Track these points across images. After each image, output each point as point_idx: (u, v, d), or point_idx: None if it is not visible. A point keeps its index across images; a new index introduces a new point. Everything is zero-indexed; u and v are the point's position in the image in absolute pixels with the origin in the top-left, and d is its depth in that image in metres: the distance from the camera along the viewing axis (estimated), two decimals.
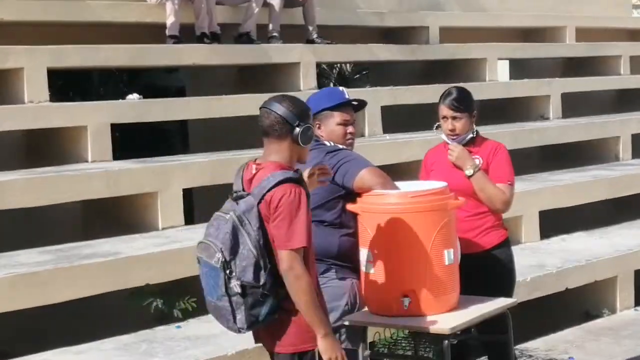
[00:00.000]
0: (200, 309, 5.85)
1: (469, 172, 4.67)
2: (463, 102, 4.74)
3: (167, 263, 5.83)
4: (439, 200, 4.23)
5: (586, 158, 9.87)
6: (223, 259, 3.51)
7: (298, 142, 3.64)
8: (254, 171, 3.67)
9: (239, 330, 3.61)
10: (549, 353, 6.31)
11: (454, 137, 4.75)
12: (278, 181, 3.55)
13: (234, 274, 3.51)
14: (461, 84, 8.87)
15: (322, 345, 3.58)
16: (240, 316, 3.54)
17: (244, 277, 3.51)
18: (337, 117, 4.34)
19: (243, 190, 3.65)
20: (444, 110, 4.73)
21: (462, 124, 4.73)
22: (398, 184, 4.31)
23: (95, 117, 7.05)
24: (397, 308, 4.13)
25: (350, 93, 4.46)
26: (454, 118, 4.72)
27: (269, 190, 3.54)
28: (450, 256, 4.21)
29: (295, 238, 3.52)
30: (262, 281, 3.52)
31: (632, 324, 6.85)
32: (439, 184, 4.41)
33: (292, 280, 3.52)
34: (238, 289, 3.51)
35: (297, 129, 3.63)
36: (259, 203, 3.55)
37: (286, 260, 3.52)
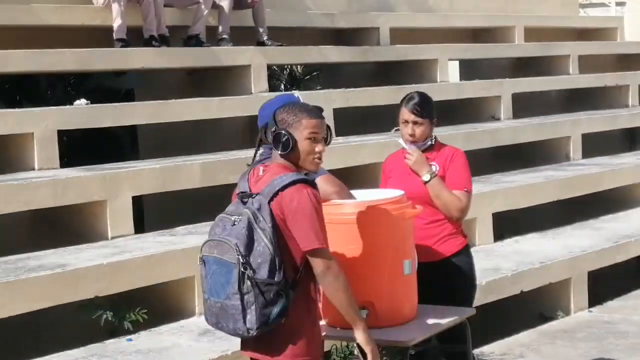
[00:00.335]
0: (151, 321, 5.74)
1: (425, 177, 4.61)
2: (425, 108, 4.68)
3: (116, 274, 5.69)
4: (396, 209, 4.16)
5: (537, 158, 9.90)
6: (239, 255, 3.44)
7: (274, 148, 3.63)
8: (261, 173, 3.66)
9: (247, 332, 3.48)
10: (504, 357, 6.28)
11: (412, 142, 4.69)
12: (291, 181, 3.52)
13: (249, 270, 3.44)
14: (413, 86, 8.91)
15: (363, 338, 3.62)
16: (251, 316, 3.45)
17: (259, 274, 3.45)
18: None
19: (250, 191, 3.61)
20: (406, 114, 4.66)
21: (422, 130, 4.67)
22: (354, 192, 4.23)
23: (41, 124, 6.87)
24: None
25: (301, 95, 4.39)
26: (414, 123, 4.65)
27: (281, 189, 3.51)
28: (408, 266, 4.15)
29: (323, 237, 3.51)
30: (277, 278, 3.46)
31: (586, 326, 6.85)
32: (396, 192, 4.34)
33: (331, 279, 3.53)
34: (252, 286, 3.43)
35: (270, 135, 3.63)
36: (270, 201, 3.51)
37: (321, 260, 3.51)
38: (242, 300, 3.44)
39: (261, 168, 3.68)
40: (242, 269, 3.43)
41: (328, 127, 3.75)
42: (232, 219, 3.52)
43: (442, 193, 4.63)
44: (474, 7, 12.34)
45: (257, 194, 3.55)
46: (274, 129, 3.60)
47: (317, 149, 3.63)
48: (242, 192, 3.61)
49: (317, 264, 3.51)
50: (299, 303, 3.56)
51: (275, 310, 3.47)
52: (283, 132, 3.58)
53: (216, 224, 3.59)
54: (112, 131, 9.56)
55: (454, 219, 4.71)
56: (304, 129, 3.60)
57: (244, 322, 3.45)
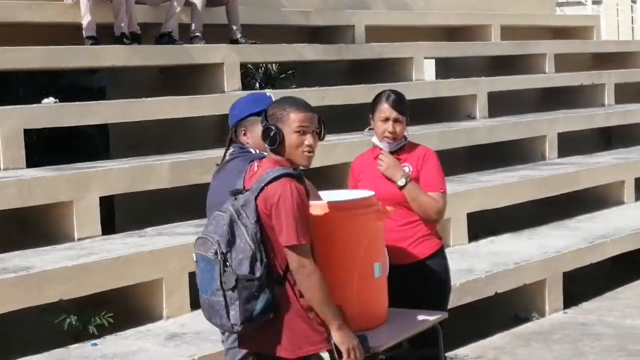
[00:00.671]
0: (117, 325, 5.62)
1: (400, 182, 4.53)
2: (404, 105, 4.63)
3: (82, 276, 5.56)
4: (367, 210, 4.08)
5: (513, 158, 9.84)
6: (220, 251, 3.48)
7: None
8: (255, 169, 3.69)
9: (232, 327, 3.54)
10: None
11: (391, 141, 4.60)
12: (275, 176, 3.55)
13: (229, 266, 3.48)
14: (388, 84, 8.81)
15: (339, 337, 3.59)
16: (235, 312, 3.49)
17: (240, 270, 3.48)
18: None
19: (244, 188, 3.65)
20: (387, 111, 4.57)
21: (401, 128, 4.61)
22: (324, 193, 4.15)
23: (7, 123, 6.72)
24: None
25: (276, 94, 4.30)
26: (396, 120, 4.58)
27: (266, 185, 3.54)
28: (379, 269, 4.07)
29: (301, 233, 3.51)
30: (257, 274, 3.49)
31: (561, 328, 6.78)
32: (366, 193, 4.27)
33: (303, 277, 3.53)
34: (233, 282, 3.46)
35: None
36: (256, 197, 3.54)
37: (296, 257, 3.52)
38: (224, 296, 3.48)
39: (256, 164, 3.71)
40: (222, 266, 3.47)
41: (322, 122, 3.75)
42: (224, 215, 3.56)
43: (419, 196, 4.55)
44: (450, 5, 12.26)
45: (247, 190, 3.60)
46: (264, 124, 3.65)
47: (306, 142, 3.65)
48: (235, 190, 3.65)
49: (292, 260, 3.53)
50: (289, 297, 3.58)
51: (259, 305, 3.49)
52: (271, 126, 3.62)
53: (210, 221, 3.63)
54: (84, 130, 9.43)
55: (432, 220, 4.65)
56: (292, 122, 3.63)
57: (228, 317, 3.49)
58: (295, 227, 3.50)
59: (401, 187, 4.52)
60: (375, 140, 4.70)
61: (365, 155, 4.80)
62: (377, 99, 4.64)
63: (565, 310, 7.20)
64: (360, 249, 4.01)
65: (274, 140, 3.61)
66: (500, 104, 10.72)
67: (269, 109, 3.71)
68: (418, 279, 4.59)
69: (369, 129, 4.71)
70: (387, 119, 4.58)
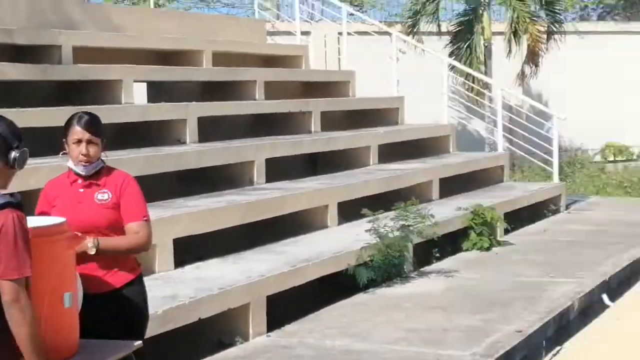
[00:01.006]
0: None
1: (92, 251, 4.39)
2: (99, 127, 4.55)
3: None
4: (58, 238, 3.94)
5: (222, 183, 9.91)
6: None
7: (13, 166, 3.62)
8: None
9: None
10: None
11: (87, 163, 4.50)
12: None
13: None
14: (95, 107, 8.62)
15: None
16: None
17: None
18: None
19: None
20: (79, 133, 4.48)
21: (95, 150, 4.52)
22: None
23: None
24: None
25: None
26: (89, 142, 4.49)
27: None
28: (69, 299, 3.94)
29: (19, 267, 3.36)
30: None
31: (264, 352, 6.87)
32: (57, 220, 4.13)
33: (16, 312, 3.37)
34: None
35: (15, 152, 3.61)
36: None
37: (10, 291, 3.35)
38: None
39: None
40: None
41: None
42: None
43: (119, 246, 4.51)
44: (163, 29, 12.22)
45: None
46: (16, 145, 3.56)
47: None
48: None
49: (6, 292, 3.36)
50: (5, 330, 3.41)
51: None
52: (26, 149, 3.63)
53: None
54: None
55: (143, 251, 4.63)
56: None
57: None
58: (17, 259, 3.37)
59: (97, 253, 4.39)
60: (70, 164, 4.60)
61: (61, 179, 4.68)
62: (69, 122, 4.54)
63: (269, 334, 7.31)
64: (50, 278, 3.86)
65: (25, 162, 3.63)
66: (211, 129, 10.79)
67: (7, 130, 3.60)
68: (114, 308, 4.53)
69: (63, 154, 4.61)
70: (79, 141, 4.49)
